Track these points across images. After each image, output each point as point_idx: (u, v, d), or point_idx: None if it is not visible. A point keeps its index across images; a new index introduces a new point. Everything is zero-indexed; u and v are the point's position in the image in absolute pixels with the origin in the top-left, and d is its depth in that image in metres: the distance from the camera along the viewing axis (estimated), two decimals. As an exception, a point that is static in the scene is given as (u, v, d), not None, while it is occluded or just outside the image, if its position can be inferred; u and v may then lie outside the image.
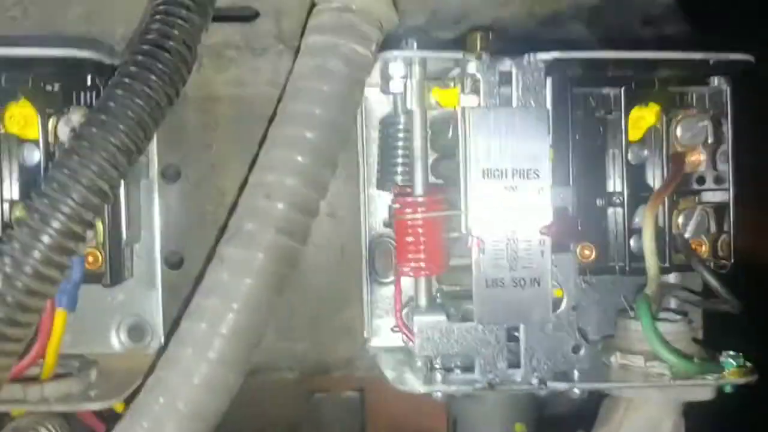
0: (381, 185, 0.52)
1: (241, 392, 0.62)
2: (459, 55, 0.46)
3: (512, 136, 0.46)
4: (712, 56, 0.48)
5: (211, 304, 0.42)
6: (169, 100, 0.42)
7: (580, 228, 0.49)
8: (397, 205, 0.48)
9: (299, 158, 0.43)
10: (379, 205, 0.54)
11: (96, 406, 0.46)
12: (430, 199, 0.47)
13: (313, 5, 0.48)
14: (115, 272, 0.47)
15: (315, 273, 0.56)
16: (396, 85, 0.47)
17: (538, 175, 0.46)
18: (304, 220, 0.44)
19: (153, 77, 0.41)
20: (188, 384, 0.41)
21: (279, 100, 0.46)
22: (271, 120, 0.46)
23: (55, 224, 0.39)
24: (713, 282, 0.47)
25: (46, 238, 0.39)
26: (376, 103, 0.54)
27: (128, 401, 0.45)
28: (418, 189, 0.47)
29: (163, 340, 0.53)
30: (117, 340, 0.54)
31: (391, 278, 0.54)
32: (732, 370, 0.47)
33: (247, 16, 0.54)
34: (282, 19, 0.54)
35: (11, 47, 0.44)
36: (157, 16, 0.43)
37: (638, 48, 0.54)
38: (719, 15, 0.56)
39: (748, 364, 0.47)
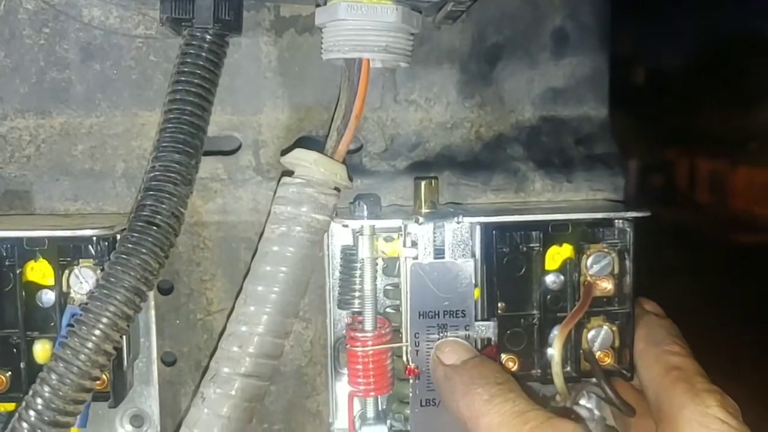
0: (341, 306, 0.61)
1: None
2: (400, 222, 0.56)
3: (444, 284, 0.56)
4: (618, 215, 0.58)
5: (195, 435, 0.53)
6: (161, 266, 0.53)
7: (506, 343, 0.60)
8: (348, 337, 0.58)
9: (267, 312, 0.53)
10: (342, 315, 0.63)
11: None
12: (377, 333, 0.57)
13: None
14: (118, 394, 0.57)
15: (290, 366, 0.66)
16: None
17: (464, 314, 0.57)
18: (270, 363, 0.54)
19: (143, 251, 0.52)
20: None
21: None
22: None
23: (80, 363, 0.50)
24: (607, 393, 0.57)
25: (76, 370, 0.50)
26: (339, 232, 0.62)
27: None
28: (368, 325, 0.57)
29: (158, 427, 0.63)
30: (121, 428, 0.63)
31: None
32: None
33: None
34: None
35: (32, 229, 0.55)
36: (150, 192, 0.53)
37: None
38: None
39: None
